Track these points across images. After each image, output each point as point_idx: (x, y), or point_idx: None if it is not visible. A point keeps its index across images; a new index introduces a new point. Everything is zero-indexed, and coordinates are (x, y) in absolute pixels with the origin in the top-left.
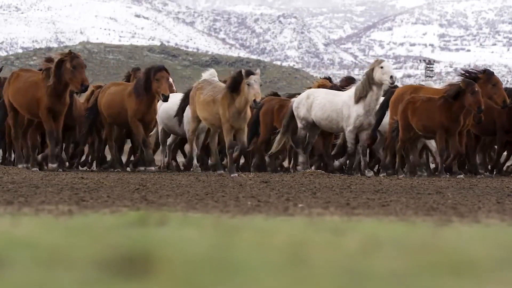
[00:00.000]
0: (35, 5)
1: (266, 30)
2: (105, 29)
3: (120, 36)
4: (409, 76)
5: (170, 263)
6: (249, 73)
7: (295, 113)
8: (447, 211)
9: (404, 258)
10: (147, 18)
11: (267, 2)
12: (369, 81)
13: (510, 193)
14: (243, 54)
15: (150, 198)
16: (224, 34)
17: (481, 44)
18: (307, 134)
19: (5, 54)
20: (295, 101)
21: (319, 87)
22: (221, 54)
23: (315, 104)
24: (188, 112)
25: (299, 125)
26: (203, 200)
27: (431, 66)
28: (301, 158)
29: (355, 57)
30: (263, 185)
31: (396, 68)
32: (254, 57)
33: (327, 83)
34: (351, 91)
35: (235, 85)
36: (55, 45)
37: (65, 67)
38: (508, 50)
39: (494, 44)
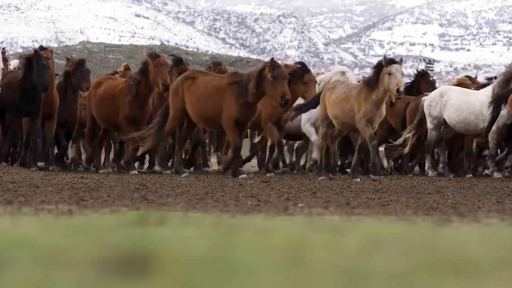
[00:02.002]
0: (35, 4)
1: (266, 30)
2: (105, 28)
3: (120, 36)
4: (409, 75)
5: (170, 262)
6: (391, 62)
7: (426, 112)
8: (447, 211)
9: (404, 258)
10: (147, 18)
11: (267, 1)
12: (509, 80)
13: (510, 193)
14: (243, 53)
15: (150, 198)
16: (224, 33)
17: (481, 44)
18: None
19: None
20: (426, 99)
21: (458, 85)
22: (221, 53)
23: (449, 104)
24: (304, 115)
25: (430, 125)
26: (203, 200)
27: (431, 65)
28: (427, 163)
29: (355, 56)
30: (263, 184)
31: None
32: (254, 56)
33: (466, 81)
34: (487, 91)
35: (375, 77)
36: (55, 45)
37: (265, 77)
38: (508, 49)
39: (494, 44)
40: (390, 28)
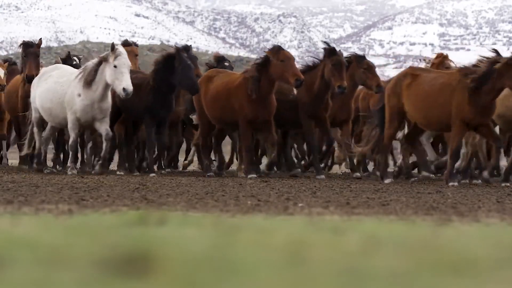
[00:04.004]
0: (35, 4)
1: (266, 30)
2: (105, 28)
3: (120, 36)
4: None
5: (170, 262)
6: None
7: None
8: (447, 211)
9: (404, 258)
10: (147, 18)
11: (267, 1)
12: None
13: (510, 193)
14: (243, 53)
15: (150, 197)
16: (224, 33)
17: (481, 44)
18: None
19: (5, 53)
20: None
21: None
22: (221, 53)
23: None
24: None
25: None
26: (203, 199)
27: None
28: None
29: None
30: (263, 184)
31: (396, 68)
32: (254, 56)
33: None
34: None
35: None
36: (55, 45)
37: (505, 72)
38: (508, 49)
39: (494, 44)
40: (390, 28)
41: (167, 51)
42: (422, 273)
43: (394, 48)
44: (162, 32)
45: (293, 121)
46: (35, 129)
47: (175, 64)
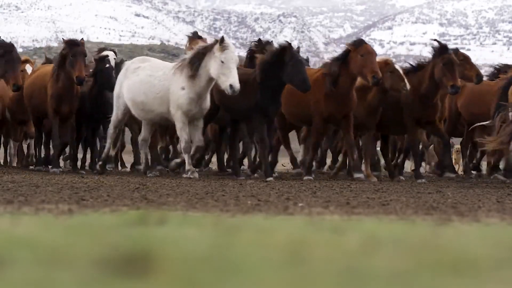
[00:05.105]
0: (35, 4)
1: (266, 29)
2: (105, 28)
3: (120, 35)
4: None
5: (170, 262)
6: None
7: None
8: (447, 210)
9: (404, 257)
10: (147, 17)
11: (267, 1)
12: None
13: (510, 193)
14: (243, 53)
15: (150, 197)
16: (224, 33)
17: (481, 43)
18: None
19: None
20: None
21: None
22: None
23: None
24: None
25: None
26: (203, 199)
27: None
28: None
29: None
30: (263, 184)
31: None
32: None
33: None
34: None
35: None
36: (55, 45)
37: None
38: (508, 49)
39: (494, 43)
40: (390, 28)
41: (278, 46)
42: (422, 273)
43: (394, 48)
44: (162, 32)
45: (395, 124)
46: (111, 130)
47: (285, 59)
